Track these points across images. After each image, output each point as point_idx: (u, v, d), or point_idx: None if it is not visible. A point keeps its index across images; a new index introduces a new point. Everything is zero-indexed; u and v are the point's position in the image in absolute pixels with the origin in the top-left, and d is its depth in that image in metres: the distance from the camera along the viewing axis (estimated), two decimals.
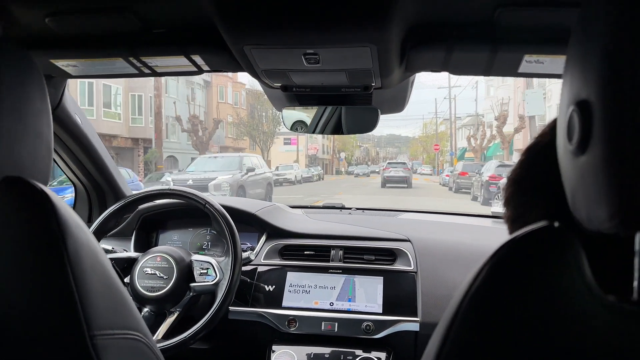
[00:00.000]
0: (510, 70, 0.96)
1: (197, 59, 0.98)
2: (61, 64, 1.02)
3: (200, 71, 1.05)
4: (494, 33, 0.84)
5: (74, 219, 0.57)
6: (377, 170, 60.06)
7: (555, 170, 0.44)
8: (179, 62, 0.99)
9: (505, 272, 0.40)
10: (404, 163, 25.75)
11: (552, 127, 0.49)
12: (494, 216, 2.00)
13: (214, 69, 1.04)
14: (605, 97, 0.33)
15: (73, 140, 1.45)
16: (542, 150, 0.50)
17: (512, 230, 0.52)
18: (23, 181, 0.56)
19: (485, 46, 0.88)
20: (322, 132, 1.34)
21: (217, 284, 1.36)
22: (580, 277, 0.38)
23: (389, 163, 25.64)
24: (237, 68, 1.00)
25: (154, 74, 1.07)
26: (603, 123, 0.33)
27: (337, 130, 1.32)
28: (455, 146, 37.04)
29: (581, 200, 0.38)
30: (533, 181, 0.51)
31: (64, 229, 0.54)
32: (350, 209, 2.09)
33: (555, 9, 0.73)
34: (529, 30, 0.82)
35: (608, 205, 0.34)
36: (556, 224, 0.40)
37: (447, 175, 23.72)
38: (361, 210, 2.08)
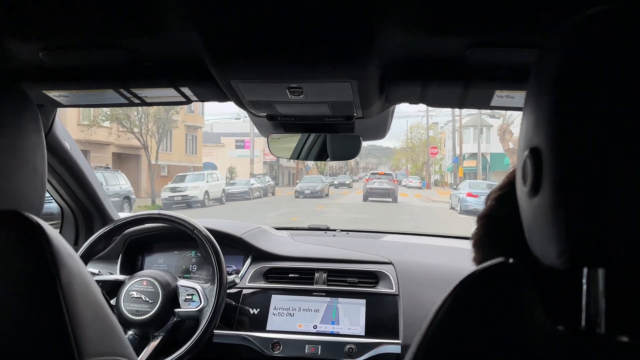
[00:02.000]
0: (483, 103, 1.00)
1: (186, 90, 1.00)
2: (53, 94, 1.03)
3: (188, 101, 1.07)
4: (466, 70, 0.89)
5: (66, 250, 0.59)
6: (355, 180, 50.99)
7: (518, 220, 0.47)
8: (168, 93, 1.02)
9: (464, 305, 0.43)
10: (390, 174, 22.74)
11: (510, 178, 0.54)
12: None
13: (202, 100, 1.07)
14: (553, 146, 0.37)
15: (62, 166, 1.47)
16: (508, 197, 0.53)
17: None
18: (18, 214, 0.58)
19: (458, 82, 0.92)
20: (306, 157, 1.37)
21: (201, 311, 1.37)
22: (531, 309, 0.41)
23: (372, 174, 22.91)
24: (224, 99, 1.03)
25: (144, 104, 1.09)
26: (551, 169, 0.37)
27: (322, 156, 1.35)
28: (460, 149, 27.82)
29: (535, 237, 0.41)
30: (500, 234, 0.54)
31: (57, 260, 0.56)
32: (335, 230, 2.09)
33: (519, 50, 0.78)
34: (499, 67, 0.86)
35: (558, 243, 0.37)
36: (510, 260, 0.43)
37: (470, 195, 14.98)
38: (346, 232, 2.09)
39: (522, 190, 0.42)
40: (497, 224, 0.55)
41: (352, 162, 76.86)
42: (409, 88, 0.97)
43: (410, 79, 0.94)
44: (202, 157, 31.82)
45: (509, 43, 0.78)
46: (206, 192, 17.87)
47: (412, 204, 19.26)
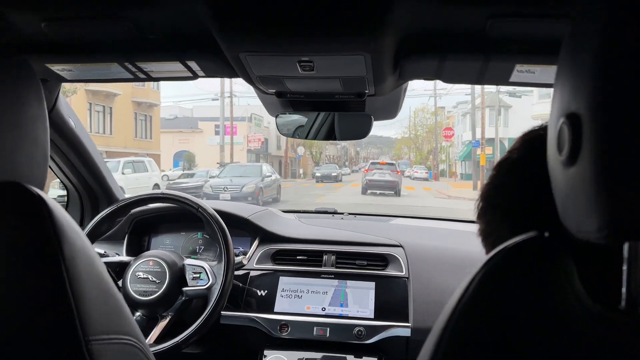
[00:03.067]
0: (502, 79, 0.97)
1: (193, 64, 0.98)
2: (56, 68, 1.01)
3: (195, 76, 1.05)
4: (486, 43, 0.85)
5: (70, 224, 0.57)
6: (352, 171, 46.26)
7: (523, 188, 0.47)
8: (175, 67, 0.99)
9: (496, 282, 0.40)
10: (393, 164, 20.12)
11: (523, 142, 0.52)
12: None
13: (209, 75, 1.05)
14: (595, 110, 0.34)
15: (67, 143, 1.45)
16: (511, 166, 0.53)
17: (484, 244, 0.55)
18: (20, 186, 0.56)
19: (477, 56, 0.89)
20: (314, 137, 1.34)
21: (209, 289, 1.36)
22: (569, 286, 0.39)
23: (372, 163, 20.07)
24: (232, 74, 1.01)
25: (149, 78, 1.08)
26: (592, 136, 0.34)
27: (330, 135, 1.33)
28: (483, 131, 22.79)
29: (571, 210, 0.38)
30: (501, 199, 0.53)
31: (60, 234, 0.54)
32: (342, 213, 2.06)
33: (545, 20, 0.75)
34: (520, 41, 0.83)
35: (597, 216, 0.35)
36: (546, 234, 0.41)
37: None
38: (353, 215, 2.06)
39: (556, 160, 0.40)
40: (497, 189, 0.54)
41: (352, 151, 72.48)
42: (424, 62, 0.93)
43: (427, 52, 0.90)
44: (161, 143, 26.93)
45: (532, 14, 0.74)
46: (120, 188, 13.00)
47: (426, 204, 14.25)
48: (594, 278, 0.42)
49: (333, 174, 28.58)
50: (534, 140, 0.51)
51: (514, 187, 0.52)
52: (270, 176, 15.42)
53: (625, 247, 0.37)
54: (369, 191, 18.33)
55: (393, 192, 17.97)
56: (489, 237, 0.54)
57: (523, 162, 0.51)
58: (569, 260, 0.40)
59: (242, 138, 32.14)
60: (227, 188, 13.62)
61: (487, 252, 0.54)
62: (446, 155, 41.86)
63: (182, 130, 32.16)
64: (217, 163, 24.63)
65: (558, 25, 0.74)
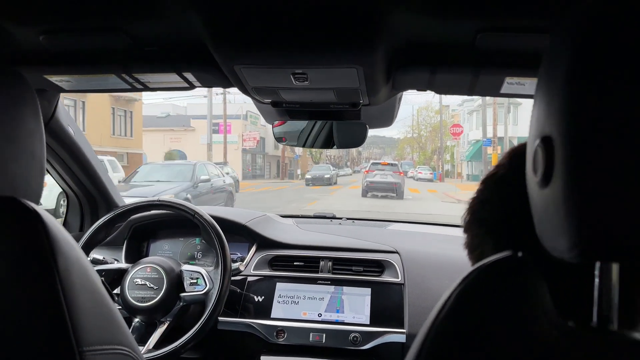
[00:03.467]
0: (493, 90, 0.98)
1: (189, 75, 0.99)
2: (55, 79, 1.02)
3: (191, 87, 1.06)
4: (476, 56, 0.86)
5: (64, 237, 0.58)
6: (354, 171, 44.65)
7: (508, 204, 0.48)
8: (171, 78, 1.00)
9: (470, 299, 0.42)
10: (395, 165, 18.87)
11: (510, 158, 0.53)
12: None
13: (205, 85, 1.06)
14: (565, 134, 0.35)
15: (66, 151, 1.46)
16: (497, 182, 0.54)
17: (470, 257, 0.57)
18: (15, 201, 0.57)
19: (467, 68, 0.90)
20: (312, 145, 1.36)
21: (207, 294, 1.37)
22: (540, 304, 0.40)
23: (373, 164, 18.73)
24: (227, 84, 1.02)
25: (146, 89, 1.08)
26: (563, 159, 0.35)
27: (329, 143, 1.34)
28: (495, 129, 20.99)
29: (545, 229, 0.40)
30: (486, 214, 0.54)
31: (54, 247, 0.55)
32: (340, 219, 2.07)
33: (532, 34, 0.76)
34: (509, 54, 0.84)
35: (568, 236, 0.36)
36: (519, 254, 0.42)
37: None
38: (351, 221, 2.06)
39: (532, 181, 0.41)
40: (482, 204, 0.55)
41: (354, 152, 71.03)
42: (416, 74, 0.94)
43: (418, 65, 0.91)
44: (151, 141, 25.26)
45: (520, 27, 0.75)
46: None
47: (432, 212, 12.31)
48: (568, 296, 0.43)
49: (326, 176, 25.14)
50: (520, 156, 0.50)
51: (499, 203, 0.53)
52: (209, 180, 11.38)
53: (597, 266, 0.38)
54: (369, 193, 17.17)
55: (395, 195, 16.80)
56: (474, 251, 0.56)
57: (509, 178, 0.52)
58: (541, 280, 0.41)
59: (237, 137, 30.58)
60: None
61: (473, 264, 0.54)
62: (450, 155, 40.19)
63: (174, 128, 30.52)
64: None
65: (543, 39, 0.74)
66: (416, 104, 46.52)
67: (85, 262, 0.61)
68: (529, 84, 0.92)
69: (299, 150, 34.51)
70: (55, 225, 0.58)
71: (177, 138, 30.19)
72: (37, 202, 0.61)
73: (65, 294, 0.54)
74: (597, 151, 0.34)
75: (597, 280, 0.38)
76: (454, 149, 39.80)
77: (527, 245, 0.43)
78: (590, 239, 0.35)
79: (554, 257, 0.39)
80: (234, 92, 28.00)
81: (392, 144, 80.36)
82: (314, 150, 43.75)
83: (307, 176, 25.79)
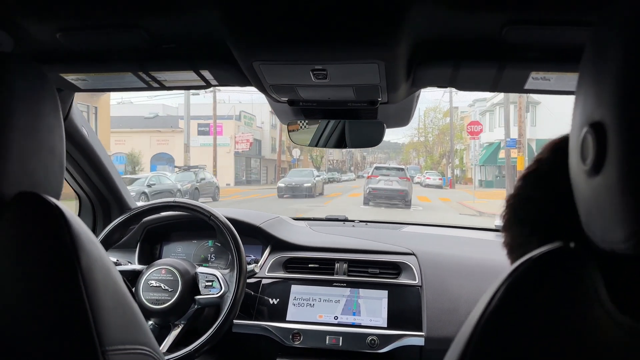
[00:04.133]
0: (517, 86, 0.96)
1: (206, 73, 0.97)
2: (71, 77, 1.02)
3: (208, 85, 1.05)
4: (501, 50, 0.84)
5: (87, 234, 0.58)
6: (357, 176, 42.36)
7: (554, 202, 0.46)
8: (188, 76, 0.99)
9: (521, 294, 0.40)
10: (401, 169, 16.72)
11: (552, 151, 0.51)
12: (497, 230, 1.98)
13: (222, 84, 1.04)
14: (621, 119, 0.34)
15: (80, 152, 1.45)
16: (540, 178, 0.52)
17: (511, 256, 0.54)
18: (37, 197, 0.57)
19: (492, 63, 0.88)
20: (325, 145, 1.33)
21: (222, 297, 1.35)
22: (596, 298, 0.38)
23: (377, 168, 16.88)
24: (245, 82, 1.00)
25: (163, 87, 1.07)
26: (618, 144, 0.34)
27: (341, 143, 1.31)
28: (520, 127, 18.17)
29: (596, 220, 0.38)
30: (530, 213, 0.52)
31: (77, 244, 0.54)
32: (353, 221, 2.05)
33: (563, 27, 0.73)
34: (536, 47, 0.82)
35: (624, 226, 0.34)
36: (572, 245, 0.40)
37: None
38: (365, 223, 2.04)
39: (579, 170, 0.39)
40: (524, 202, 0.53)
41: (357, 156, 68.62)
42: (439, 70, 0.92)
43: (441, 60, 0.89)
44: (113, 143, 21.56)
45: (548, 20, 0.73)
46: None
47: (450, 224, 9.25)
48: (621, 289, 0.41)
49: (306, 185, 18.84)
50: (565, 150, 0.46)
51: (544, 202, 0.50)
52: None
53: None
54: (371, 202, 15.23)
55: (402, 204, 14.96)
56: (516, 251, 0.53)
57: (552, 173, 0.50)
58: (596, 271, 0.39)
59: (229, 138, 28.26)
60: None
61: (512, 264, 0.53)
62: (460, 159, 37.64)
63: (160, 129, 28.16)
64: (176, 168, 20.67)
65: (576, 32, 0.72)
66: (422, 104, 44.14)
67: (107, 260, 0.60)
68: (555, 78, 0.89)
69: (296, 153, 32.10)
70: (78, 222, 0.57)
71: (164, 140, 27.89)
72: (57, 198, 0.60)
73: (88, 293, 0.53)
74: None
75: None
76: (463, 152, 37.24)
77: (578, 240, 0.41)
78: None
79: (604, 249, 0.37)
80: (226, 91, 25.68)
81: (397, 148, 78.53)
82: (314, 153, 41.35)
83: (280, 184, 19.50)
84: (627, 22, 0.34)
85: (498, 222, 1.95)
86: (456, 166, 37.30)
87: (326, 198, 18.77)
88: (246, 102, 32.29)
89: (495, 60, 0.86)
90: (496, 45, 0.81)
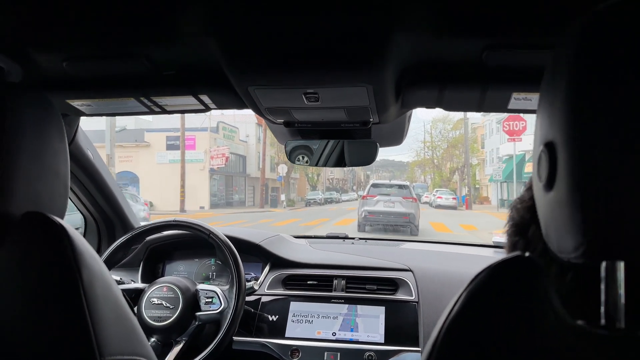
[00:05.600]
0: (501, 106, 0.99)
1: (205, 98, 1.01)
2: (76, 103, 1.05)
3: (207, 109, 1.08)
4: (483, 73, 0.88)
5: (88, 251, 0.61)
6: (359, 196, 38.50)
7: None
8: (188, 101, 1.02)
9: (479, 299, 0.43)
10: (405, 187, 13.15)
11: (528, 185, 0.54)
12: (495, 246, 1.97)
13: (220, 107, 1.07)
14: (567, 137, 0.37)
15: (85, 174, 1.49)
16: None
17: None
18: (42, 216, 0.60)
19: (475, 85, 0.91)
20: (324, 164, 1.35)
21: (221, 313, 1.38)
22: (548, 304, 0.41)
23: (374, 186, 13.38)
24: (242, 106, 1.04)
25: (164, 112, 1.10)
26: (566, 162, 0.37)
27: (340, 162, 1.33)
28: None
29: (552, 232, 0.41)
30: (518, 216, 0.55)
31: (79, 260, 0.58)
32: (353, 238, 2.07)
33: (537, 51, 0.77)
34: (516, 70, 0.85)
35: (573, 237, 0.37)
36: (527, 254, 0.43)
37: None
38: (364, 240, 2.07)
39: (537, 186, 0.43)
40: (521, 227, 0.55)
41: (361, 175, 64.71)
42: (425, 92, 0.95)
43: (427, 82, 0.92)
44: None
45: (524, 45, 0.77)
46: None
47: None
48: (577, 296, 0.44)
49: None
50: None
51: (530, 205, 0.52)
52: None
53: (602, 266, 0.38)
54: (368, 227, 12.52)
55: (407, 230, 12.12)
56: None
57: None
58: (549, 279, 0.42)
59: (204, 153, 24.19)
60: None
61: None
62: (472, 175, 33.29)
63: (123, 144, 24.12)
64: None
65: (547, 55, 0.73)
66: (429, 114, 40.14)
67: (107, 275, 0.63)
68: (535, 99, 0.92)
69: (282, 169, 27.92)
70: (80, 239, 0.60)
71: (128, 157, 23.78)
72: (62, 218, 0.64)
73: (89, 306, 0.56)
74: (596, 152, 0.35)
75: (603, 279, 0.38)
76: (476, 168, 33.00)
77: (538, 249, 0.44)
78: (593, 238, 0.36)
79: (561, 258, 0.40)
80: None
81: (402, 167, 75.49)
82: (309, 172, 37.28)
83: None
84: (573, 43, 0.37)
85: (496, 238, 2.03)
86: (463, 184, 32.97)
87: (318, 222, 14.76)
88: (226, 112, 28.31)
89: (478, 83, 0.89)
90: (478, 68, 0.85)
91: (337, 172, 52.19)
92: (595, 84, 0.35)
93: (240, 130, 28.33)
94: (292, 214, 20.22)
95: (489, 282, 0.43)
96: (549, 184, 0.39)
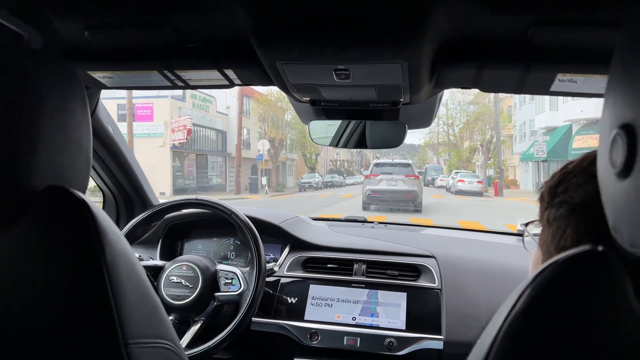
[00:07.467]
0: (542, 88, 0.95)
1: (230, 73, 0.99)
2: (98, 75, 1.03)
3: (231, 84, 1.06)
4: (527, 51, 0.83)
5: (112, 229, 0.59)
6: (359, 182, 33.69)
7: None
8: (212, 75, 1.01)
9: (547, 296, 0.39)
10: (407, 165, 13.72)
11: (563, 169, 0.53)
12: (518, 234, 1.94)
13: (245, 83, 1.05)
14: None
15: (105, 149, 1.48)
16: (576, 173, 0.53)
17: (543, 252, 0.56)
18: (64, 190, 0.58)
19: (517, 64, 0.87)
20: (345, 145, 1.34)
21: (241, 295, 1.37)
22: (624, 301, 0.38)
23: (376, 165, 13.92)
24: (268, 82, 1.01)
25: (187, 86, 1.09)
26: None
27: (361, 144, 1.32)
28: None
29: (624, 223, 0.37)
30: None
31: (102, 238, 0.55)
32: (372, 222, 2.05)
33: (591, 29, 0.73)
34: (563, 49, 0.81)
35: None
36: (600, 248, 0.40)
37: None
38: (384, 225, 2.05)
39: (608, 172, 0.39)
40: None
41: (370, 156, 60.12)
42: (462, 71, 0.92)
43: (465, 60, 0.88)
44: None
45: (577, 21, 0.72)
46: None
47: None
48: None
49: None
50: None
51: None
52: None
53: None
54: (372, 206, 13.07)
55: (412, 207, 12.69)
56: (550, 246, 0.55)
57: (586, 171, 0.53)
58: (624, 274, 0.39)
59: (164, 126, 19.50)
60: None
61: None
62: (493, 155, 28.19)
63: None
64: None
65: (604, 34, 0.72)
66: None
67: (131, 254, 0.61)
68: (582, 81, 0.88)
69: (262, 145, 23.07)
70: (103, 216, 0.58)
71: None
72: (84, 192, 0.62)
73: (113, 286, 0.54)
74: None
75: None
76: (502, 144, 27.81)
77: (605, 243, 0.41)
78: None
79: (633, 254, 0.37)
80: None
81: (413, 150, 70.59)
82: (307, 153, 32.48)
83: None
84: None
85: (520, 226, 1.87)
86: (489, 165, 27.86)
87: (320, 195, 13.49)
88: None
89: (520, 62, 0.85)
90: (522, 47, 0.81)
91: (343, 154, 47.42)
92: None
93: (217, 100, 23.59)
94: (268, 203, 15.52)
95: (556, 278, 0.39)
96: (626, 170, 0.35)
